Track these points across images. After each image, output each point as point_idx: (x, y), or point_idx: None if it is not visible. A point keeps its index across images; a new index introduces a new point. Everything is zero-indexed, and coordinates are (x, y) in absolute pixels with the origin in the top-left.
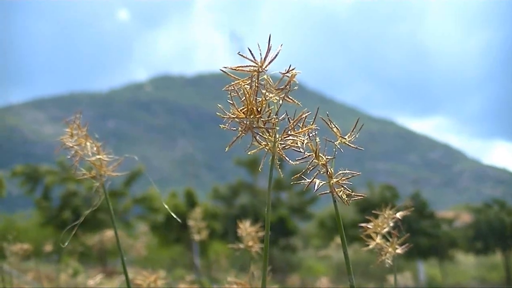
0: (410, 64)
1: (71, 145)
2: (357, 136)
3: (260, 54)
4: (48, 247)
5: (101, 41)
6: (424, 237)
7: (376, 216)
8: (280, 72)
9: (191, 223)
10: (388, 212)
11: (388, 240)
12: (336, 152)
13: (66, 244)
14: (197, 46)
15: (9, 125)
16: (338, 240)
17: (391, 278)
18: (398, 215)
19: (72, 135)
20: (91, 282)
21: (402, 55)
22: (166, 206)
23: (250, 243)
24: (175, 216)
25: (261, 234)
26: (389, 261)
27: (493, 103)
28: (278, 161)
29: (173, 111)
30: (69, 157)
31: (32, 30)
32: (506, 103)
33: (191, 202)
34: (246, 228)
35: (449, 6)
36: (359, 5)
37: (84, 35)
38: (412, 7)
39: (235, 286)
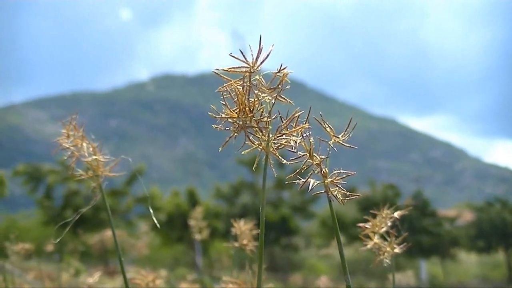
0: (411, 62)
1: (67, 146)
2: (351, 135)
3: (252, 54)
4: (50, 247)
5: (103, 40)
6: (426, 236)
7: (375, 216)
8: (272, 72)
9: (192, 222)
10: (386, 212)
11: (386, 240)
12: (330, 152)
13: (65, 240)
14: (199, 45)
15: (11, 124)
16: None
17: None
18: (396, 214)
19: (68, 136)
20: (90, 280)
21: (403, 53)
22: (151, 211)
23: (245, 241)
24: (157, 224)
25: (256, 232)
26: (387, 261)
27: (495, 102)
28: (278, 160)
29: (175, 110)
30: (66, 157)
31: (35, 29)
32: (508, 101)
33: (193, 201)
34: (240, 226)
35: (451, 4)
36: (360, 3)
37: (86, 34)
38: (413, 4)
39: (230, 285)
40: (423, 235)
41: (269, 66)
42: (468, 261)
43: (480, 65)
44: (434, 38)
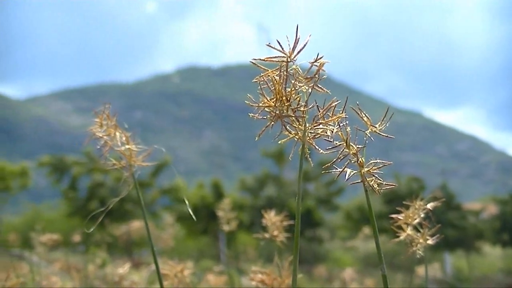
0: (437, 55)
1: (100, 135)
2: (387, 126)
3: (289, 44)
4: (76, 237)
5: (128, 32)
6: (451, 229)
7: (407, 207)
8: (309, 62)
9: (220, 213)
10: (419, 203)
11: (418, 231)
12: (366, 142)
13: (91, 231)
14: (224, 37)
15: (36, 115)
16: (365, 231)
17: (419, 270)
18: (429, 206)
19: (101, 125)
20: (120, 271)
21: (429, 46)
22: (187, 202)
23: (275, 233)
24: (193, 216)
25: (286, 223)
26: (420, 252)
27: None
28: (315, 149)
29: (200, 102)
30: (98, 147)
31: (60, 21)
32: None
33: (218, 193)
34: (271, 218)
35: None
36: None
37: (111, 26)
38: None
39: (259, 275)
40: (448, 228)
41: (299, 58)
42: (493, 254)
43: (506, 57)
44: (459, 31)
